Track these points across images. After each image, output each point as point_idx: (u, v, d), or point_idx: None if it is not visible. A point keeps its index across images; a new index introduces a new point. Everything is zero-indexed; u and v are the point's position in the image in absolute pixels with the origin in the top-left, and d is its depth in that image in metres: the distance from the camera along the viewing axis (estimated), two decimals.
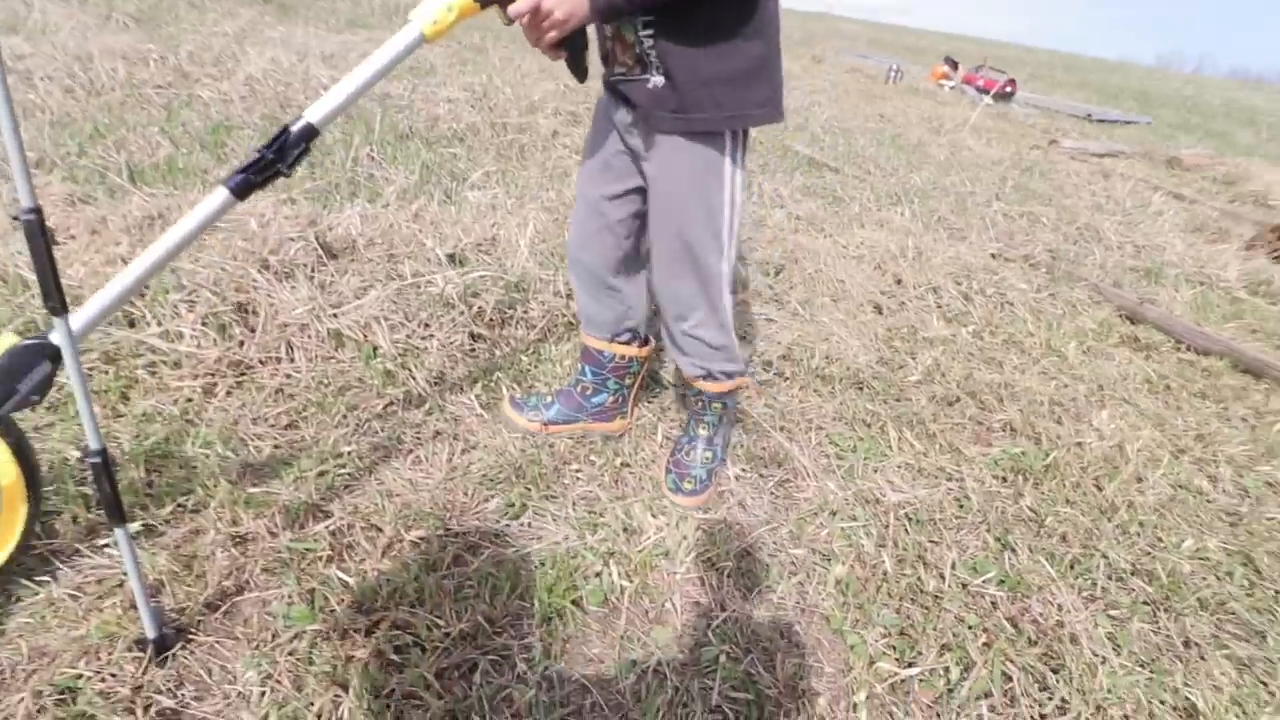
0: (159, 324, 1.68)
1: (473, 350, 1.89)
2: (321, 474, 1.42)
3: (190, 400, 1.55)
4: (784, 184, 3.61)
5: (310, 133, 0.96)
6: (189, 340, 1.67)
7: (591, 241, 1.41)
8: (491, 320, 1.96)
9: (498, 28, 7.75)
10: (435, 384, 1.75)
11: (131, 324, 1.70)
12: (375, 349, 1.78)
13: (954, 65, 10.34)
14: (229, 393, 1.61)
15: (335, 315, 1.81)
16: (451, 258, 2.20)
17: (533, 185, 2.96)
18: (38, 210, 0.81)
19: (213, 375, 1.63)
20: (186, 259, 1.79)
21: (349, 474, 1.44)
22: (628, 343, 1.56)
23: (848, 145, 4.87)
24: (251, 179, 0.94)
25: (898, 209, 3.43)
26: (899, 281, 2.57)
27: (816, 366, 2.02)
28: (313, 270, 1.92)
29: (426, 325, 1.89)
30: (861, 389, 1.97)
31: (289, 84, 3.86)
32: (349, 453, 1.49)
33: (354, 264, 2.04)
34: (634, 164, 1.30)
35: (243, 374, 1.66)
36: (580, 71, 1.16)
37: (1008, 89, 9.54)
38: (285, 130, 0.94)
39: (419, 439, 1.57)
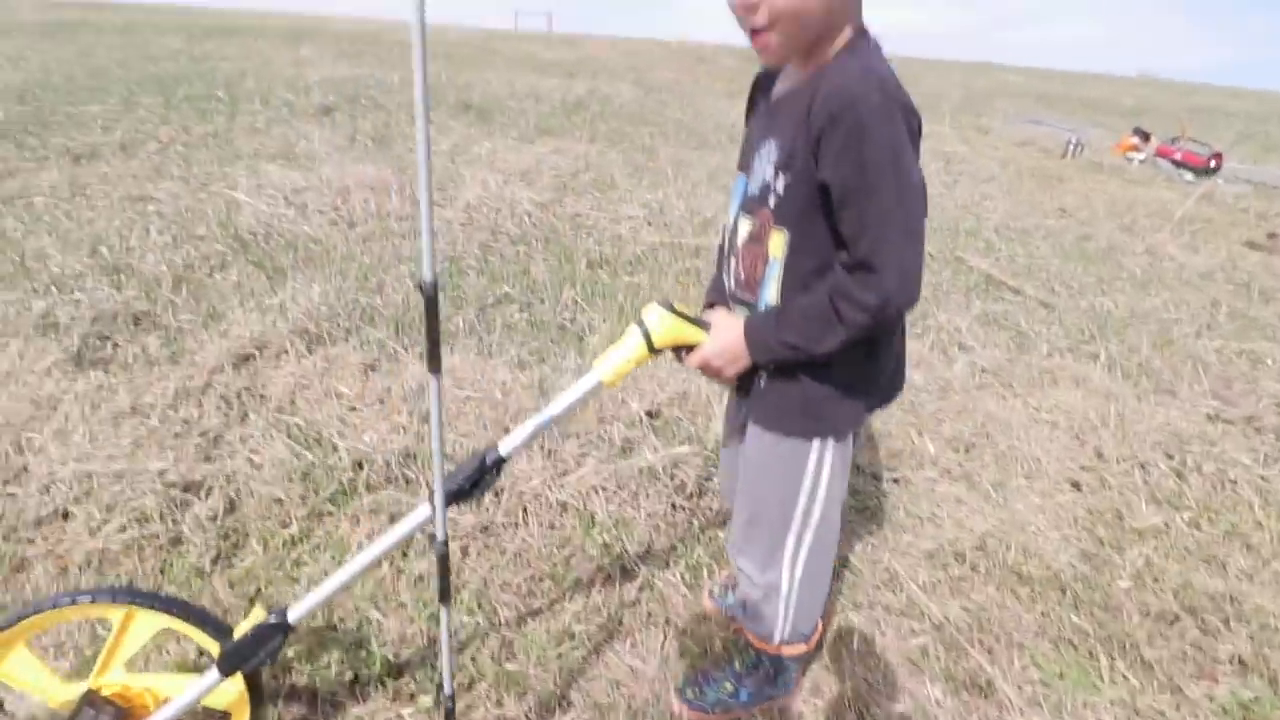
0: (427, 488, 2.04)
1: (674, 521, 2.09)
2: (559, 655, 1.65)
3: (453, 561, 1.86)
4: (960, 313, 3.56)
5: (501, 462, 1.16)
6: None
7: (727, 483, 1.54)
8: (691, 492, 2.15)
9: (665, 125, 8.27)
10: (644, 557, 1.95)
11: (407, 482, 2.07)
12: (593, 518, 2.03)
13: (1144, 136, 9.51)
14: (479, 554, 1.92)
15: (561, 485, 2.09)
16: (650, 414, 2.44)
17: None
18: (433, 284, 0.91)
19: (467, 538, 1.95)
20: (450, 430, 2.15)
21: (581, 656, 1.66)
22: None
23: (1027, 255, 4.68)
24: (450, 501, 1.13)
25: (1091, 350, 3.27)
26: (1100, 455, 2.46)
27: (1013, 562, 2.00)
28: (543, 437, 2.23)
29: (635, 495, 2.12)
30: (1064, 593, 1.92)
31: (499, 209, 4.43)
32: (579, 632, 1.71)
33: (573, 427, 2.32)
34: None
35: (490, 537, 1.96)
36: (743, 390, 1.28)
37: (1212, 163, 8.62)
38: (482, 461, 1.14)
39: (635, 620, 1.77)
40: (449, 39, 19.38)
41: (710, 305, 1.34)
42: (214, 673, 1.13)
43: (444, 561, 1.11)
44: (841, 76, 0.95)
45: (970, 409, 2.58)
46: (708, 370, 1.19)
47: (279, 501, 1.95)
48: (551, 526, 2.00)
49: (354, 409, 2.25)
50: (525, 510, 2.03)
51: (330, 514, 1.95)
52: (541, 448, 2.18)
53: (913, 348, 2.98)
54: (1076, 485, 2.34)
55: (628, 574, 1.89)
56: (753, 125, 1.20)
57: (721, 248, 1.29)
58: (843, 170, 0.94)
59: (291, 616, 1.15)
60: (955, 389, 2.70)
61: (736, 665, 1.56)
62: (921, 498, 2.21)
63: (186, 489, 1.91)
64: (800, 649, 1.43)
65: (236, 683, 1.18)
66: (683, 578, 1.89)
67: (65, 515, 1.85)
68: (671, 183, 5.44)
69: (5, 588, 1.69)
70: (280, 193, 4.33)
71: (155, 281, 3.04)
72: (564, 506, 2.05)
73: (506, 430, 2.21)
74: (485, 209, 4.41)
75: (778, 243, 1.08)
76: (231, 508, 1.91)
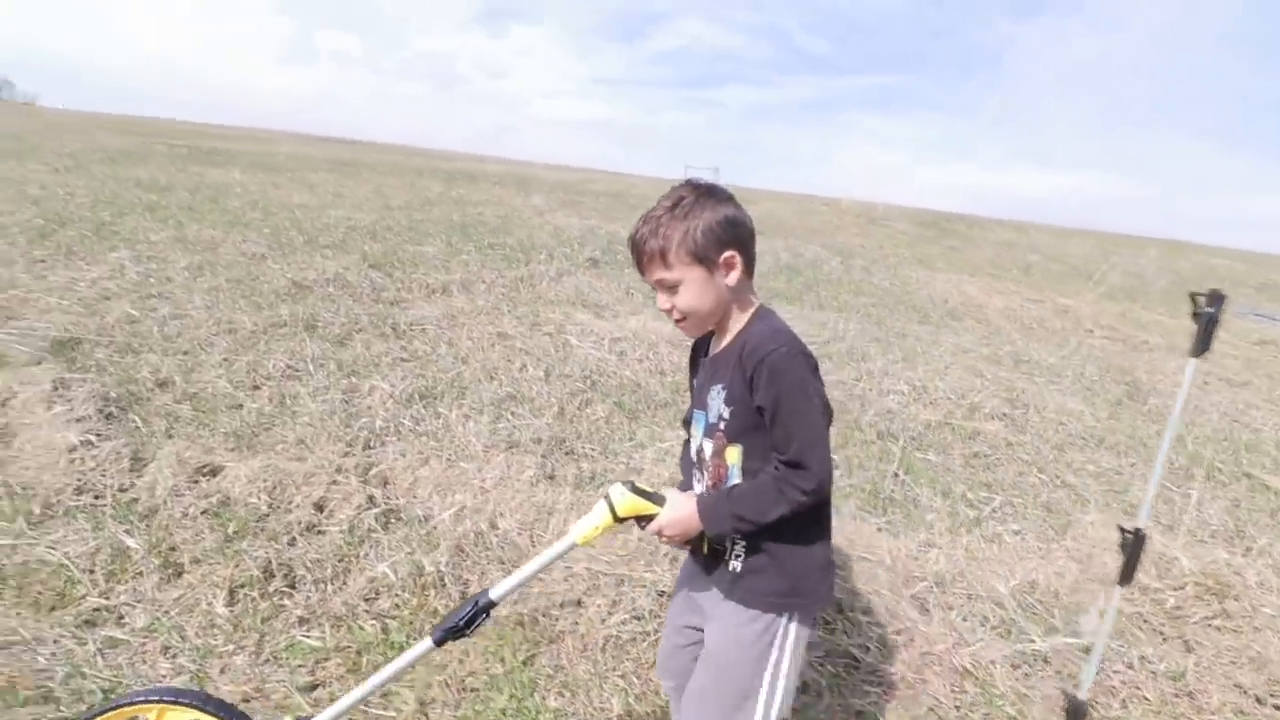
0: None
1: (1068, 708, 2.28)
2: None
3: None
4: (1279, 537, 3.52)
5: (490, 605, 1.40)
6: (874, 654, 2.35)
7: (670, 660, 1.64)
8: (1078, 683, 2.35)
9: (878, 295, 8.80)
10: None
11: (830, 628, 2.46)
12: (994, 690, 2.28)
13: None
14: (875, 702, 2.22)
15: (963, 652, 2.38)
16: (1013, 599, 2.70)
17: (1034, 516, 3.41)
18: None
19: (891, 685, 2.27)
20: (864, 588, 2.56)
21: None
22: None
23: None
24: (446, 637, 1.38)
25: None
26: None
27: None
28: (930, 602, 2.56)
29: (1027, 676, 2.36)
30: None
31: None
32: None
33: (946, 598, 2.64)
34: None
35: (895, 693, 2.27)
36: (702, 551, 1.47)
37: None
38: (475, 604, 1.38)
39: None
40: (635, 194, 21.56)
41: None
42: None
43: None
44: (758, 336, 1.37)
45: None
46: (661, 537, 1.44)
47: None
48: (959, 692, 2.28)
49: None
50: (921, 671, 2.33)
51: None
52: (934, 611, 2.50)
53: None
54: None
55: None
56: (699, 375, 1.54)
57: (687, 463, 1.59)
58: (769, 397, 1.31)
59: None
60: None
61: None
62: None
63: (662, 594, 2.43)
64: None
65: None
66: None
67: (579, 603, 2.42)
68: (921, 360, 5.85)
69: (543, 657, 2.23)
70: (601, 340, 5.24)
71: (553, 411, 3.84)
72: (965, 673, 2.33)
73: (919, 600, 2.57)
74: None
75: (733, 453, 1.41)
76: None
